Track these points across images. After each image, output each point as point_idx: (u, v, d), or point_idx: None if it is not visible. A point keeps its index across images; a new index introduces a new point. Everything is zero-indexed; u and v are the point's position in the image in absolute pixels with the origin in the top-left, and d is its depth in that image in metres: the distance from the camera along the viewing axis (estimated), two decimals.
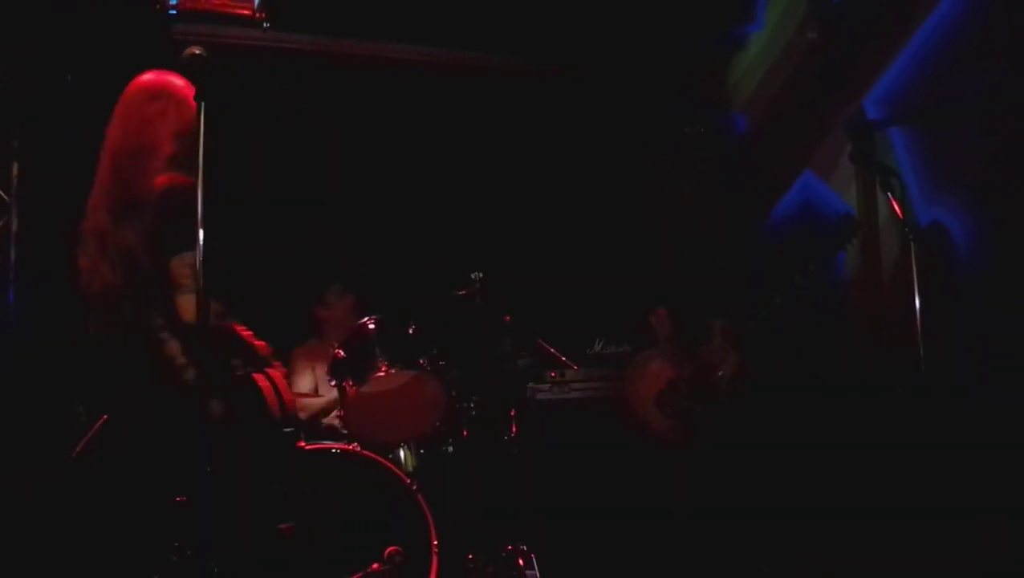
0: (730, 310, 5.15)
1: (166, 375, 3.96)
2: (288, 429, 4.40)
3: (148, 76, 4.31)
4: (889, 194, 4.57)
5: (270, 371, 4.35)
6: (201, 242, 3.42)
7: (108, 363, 4.07)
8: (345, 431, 5.27)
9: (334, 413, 5.45)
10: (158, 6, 5.97)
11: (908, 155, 5.75)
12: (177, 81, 4.24)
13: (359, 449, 5.06)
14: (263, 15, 5.86)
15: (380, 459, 5.07)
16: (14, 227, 6.30)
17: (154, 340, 3.98)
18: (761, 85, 6.93)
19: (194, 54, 3.62)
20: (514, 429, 5.51)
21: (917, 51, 5.78)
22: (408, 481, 5.04)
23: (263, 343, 4.36)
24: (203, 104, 3.53)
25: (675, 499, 5.54)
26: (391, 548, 4.89)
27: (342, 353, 5.22)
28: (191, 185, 3.77)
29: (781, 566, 5.27)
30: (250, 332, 4.30)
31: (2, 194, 6.28)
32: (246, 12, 5.94)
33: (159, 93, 4.24)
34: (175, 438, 3.86)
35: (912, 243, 4.39)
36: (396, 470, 5.09)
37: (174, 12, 6.00)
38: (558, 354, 5.84)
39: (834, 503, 5.37)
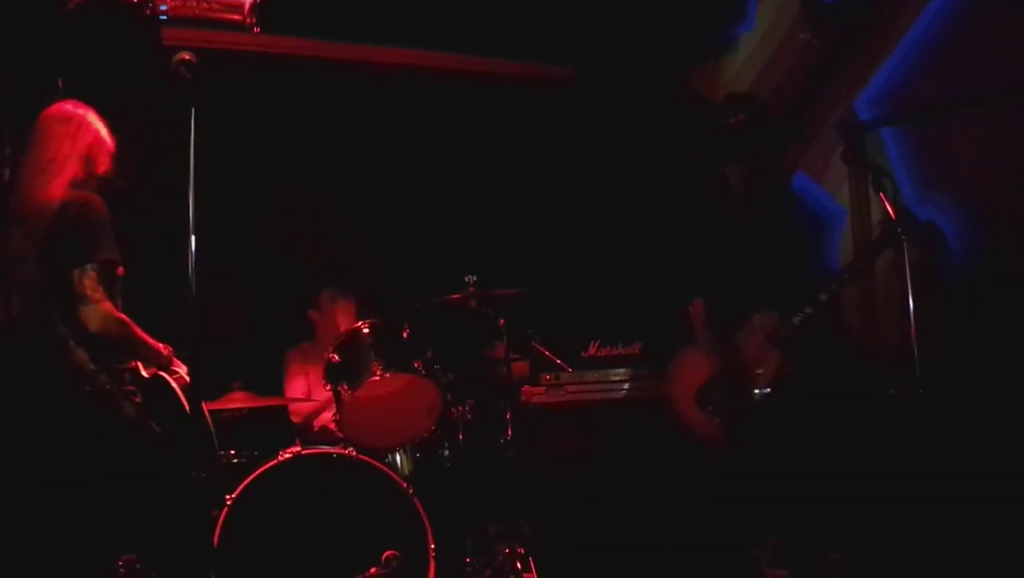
0: (773, 305, 5.08)
1: (77, 382, 4.08)
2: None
3: (59, 104, 4.52)
4: (881, 194, 4.57)
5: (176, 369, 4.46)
6: (193, 248, 3.43)
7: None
8: (340, 435, 5.27)
9: (330, 416, 5.44)
10: (149, 11, 5.95)
11: (900, 155, 5.75)
12: (84, 110, 4.48)
13: (355, 453, 5.07)
14: (253, 20, 5.84)
15: (376, 463, 5.09)
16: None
17: (63, 349, 4.09)
18: (753, 86, 6.93)
19: (184, 59, 3.66)
20: (509, 432, 5.50)
21: (908, 51, 5.78)
22: (404, 485, 5.05)
23: (165, 345, 4.43)
24: (193, 110, 3.55)
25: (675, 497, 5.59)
26: (388, 552, 4.91)
27: (337, 357, 5.22)
28: (90, 201, 4.17)
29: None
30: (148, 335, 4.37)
31: None
32: (236, 17, 5.93)
33: (68, 117, 4.42)
34: (92, 444, 4.05)
35: (904, 242, 4.39)
36: (392, 474, 5.11)
37: (164, 17, 5.98)
38: (552, 357, 5.83)
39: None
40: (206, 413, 4.40)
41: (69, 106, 4.47)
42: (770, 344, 4.99)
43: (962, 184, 5.40)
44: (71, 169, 4.31)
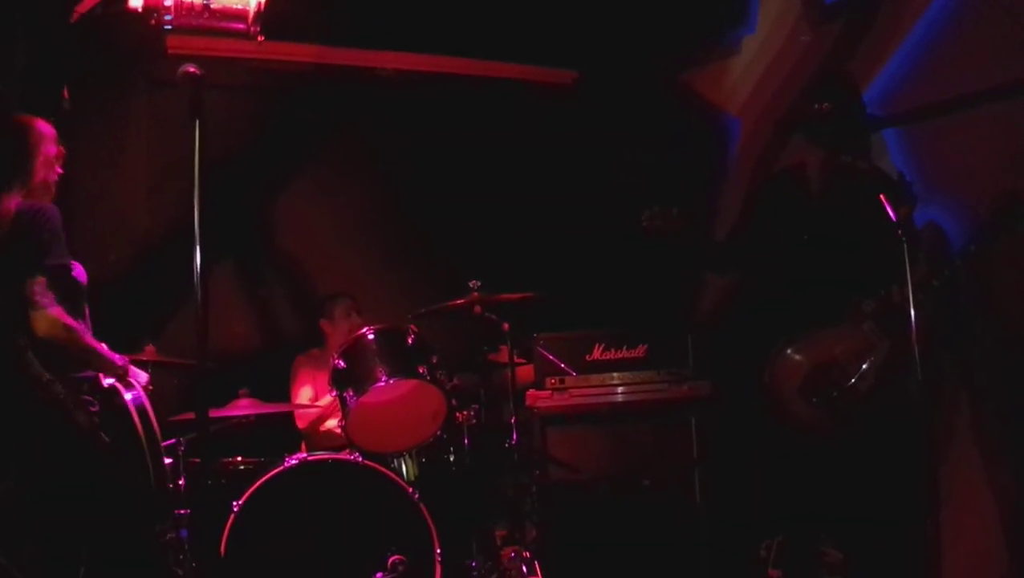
0: (881, 291, 4.90)
1: (31, 391, 4.11)
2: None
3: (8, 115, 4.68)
4: (882, 196, 4.54)
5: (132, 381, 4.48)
6: (198, 257, 3.45)
7: None
8: (346, 440, 5.29)
9: (335, 422, 5.46)
10: (154, 20, 5.97)
11: (902, 155, 5.75)
12: (34, 119, 4.52)
13: (360, 459, 5.09)
14: (257, 29, 5.86)
15: (382, 468, 5.11)
16: None
17: (19, 359, 4.12)
18: (756, 89, 6.94)
19: (188, 72, 3.70)
20: (515, 436, 5.51)
21: (910, 51, 5.77)
22: (410, 490, 5.07)
23: (121, 356, 4.46)
24: (198, 121, 3.58)
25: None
26: (394, 557, 4.93)
27: (342, 363, 5.25)
28: (42, 209, 4.22)
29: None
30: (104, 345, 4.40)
31: None
32: (240, 26, 5.95)
33: (19, 127, 4.47)
34: (43, 453, 4.09)
35: (904, 244, 4.37)
36: (398, 479, 5.13)
37: (169, 28, 6.00)
38: (557, 361, 5.84)
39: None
40: (155, 430, 4.42)
41: (21, 117, 4.55)
42: (880, 331, 4.88)
43: (964, 185, 5.40)
44: (34, 178, 4.37)
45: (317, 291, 6.99)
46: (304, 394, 6.28)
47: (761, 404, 5.17)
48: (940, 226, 5.40)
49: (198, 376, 3.97)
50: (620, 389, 5.93)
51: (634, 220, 5.28)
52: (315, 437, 6.13)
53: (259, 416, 5.51)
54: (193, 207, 3.52)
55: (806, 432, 5.02)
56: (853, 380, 4.88)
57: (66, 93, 6.53)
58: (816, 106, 5.00)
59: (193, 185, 3.53)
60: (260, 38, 5.96)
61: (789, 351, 5.08)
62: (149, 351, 5.56)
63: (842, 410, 4.90)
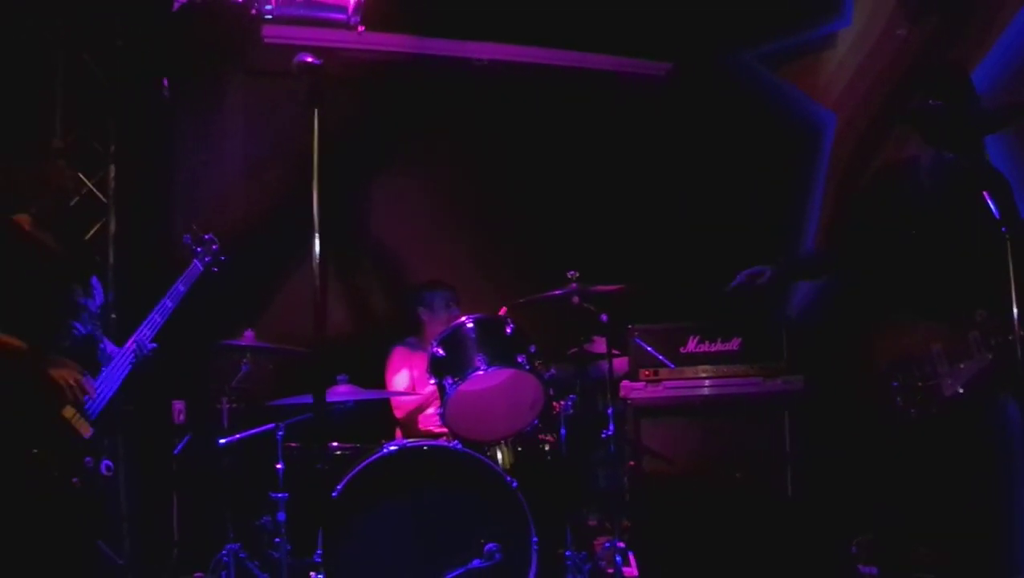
0: (998, 303, 4.46)
1: None
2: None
3: None
4: (986, 192, 4.43)
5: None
6: (317, 245, 3.49)
7: None
8: (444, 428, 5.33)
9: (434, 413, 5.49)
10: (254, 10, 6.06)
11: (1003, 151, 5.66)
12: None
13: (459, 446, 5.13)
14: (357, 19, 5.92)
15: (480, 456, 5.14)
16: (112, 229, 6.46)
17: None
18: (851, 83, 6.88)
19: (306, 62, 3.70)
20: (611, 427, 5.52)
21: (1009, 46, 5.70)
22: (508, 478, 5.09)
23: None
24: (316, 111, 3.59)
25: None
26: (490, 544, 4.95)
27: (441, 351, 5.27)
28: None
29: None
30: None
31: (100, 196, 6.44)
32: (340, 17, 6.01)
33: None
34: None
35: (1008, 242, 4.26)
36: (496, 467, 5.15)
37: (269, 16, 6.08)
38: (654, 353, 5.84)
39: None
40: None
41: None
42: (981, 345, 4.60)
43: None
44: None
45: (412, 280, 7.03)
46: (400, 381, 6.32)
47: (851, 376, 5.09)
48: None
49: (312, 362, 3.99)
50: (714, 382, 5.93)
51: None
52: (412, 427, 6.17)
53: (358, 402, 5.55)
54: (312, 197, 3.51)
55: (882, 409, 4.90)
56: (939, 381, 4.78)
57: (165, 82, 6.65)
58: (927, 101, 4.89)
59: (312, 175, 3.53)
60: (360, 28, 6.03)
61: (887, 327, 4.97)
62: (248, 336, 5.65)
63: (920, 404, 4.80)
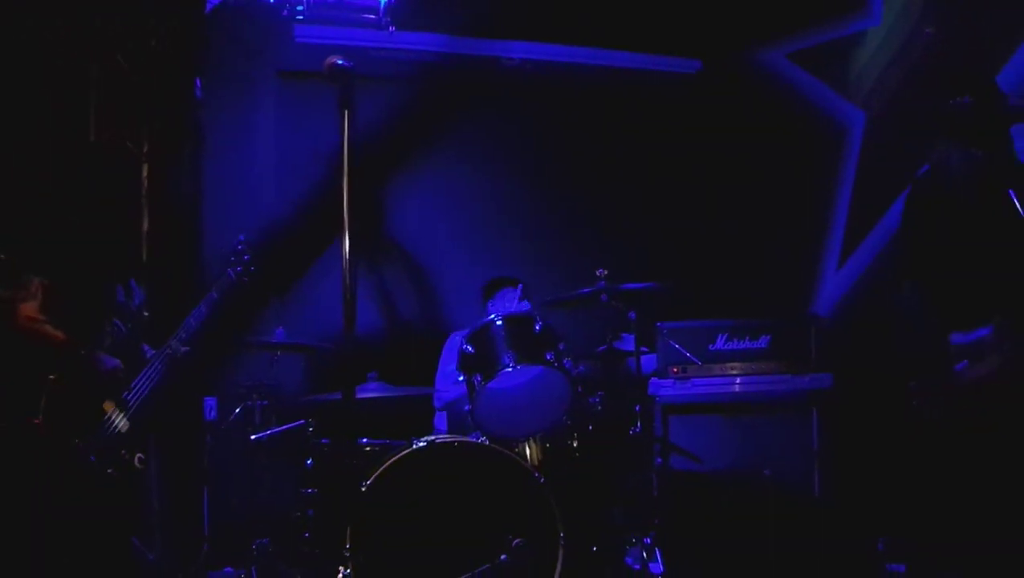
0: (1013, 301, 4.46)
1: None
2: None
3: None
4: (1011, 191, 4.40)
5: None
6: (347, 245, 3.53)
7: None
8: (473, 425, 5.36)
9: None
10: (286, 11, 6.13)
11: None
12: None
13: (487, 443, 5.17)
14: (388, 19, 5.98)
15: (508, 452, 5.16)
16: (145, 227, 6.52)
17: None
18: (879, 81, 6.88)
19: (336, 65, 3.74)
20: (639, 424, 5.55)
21: None
22: (535, 474, 5.12)
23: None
24: (347, 113, 3.63)
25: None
26: (518, 540, 4.97)
27: (470, 348, 5.30)
28: None
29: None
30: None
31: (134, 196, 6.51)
32: (372, 17, 6.07)
33: None
34: None
35: None
36: (524, 463, 5.18)
37: (301, 17, 6.15)
38: (682, 350, 5.86)
39: None
40: None
41: None
42: (999, 350, 4.45)
43: None
44: None
45: (441, 280, 7.09)
46: (451, 369, 6.33)
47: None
48: None
49: (342, 360, 4.04)
50: (742, 380, 5.94)
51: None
52: (454, 419, 6.19)
53: (387, 399, 5.60)
54: (342, 197, 3.55)
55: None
56: (956, 382, 4.76)
57: (198, 82, 6.72)
58: (954, 100, 4.87)
59: (342, 176, 3.57)
60: (391, 28, 6.08)
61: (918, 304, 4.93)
62: (279, 334, 5.72)
63: (938, 406, 4.78)
